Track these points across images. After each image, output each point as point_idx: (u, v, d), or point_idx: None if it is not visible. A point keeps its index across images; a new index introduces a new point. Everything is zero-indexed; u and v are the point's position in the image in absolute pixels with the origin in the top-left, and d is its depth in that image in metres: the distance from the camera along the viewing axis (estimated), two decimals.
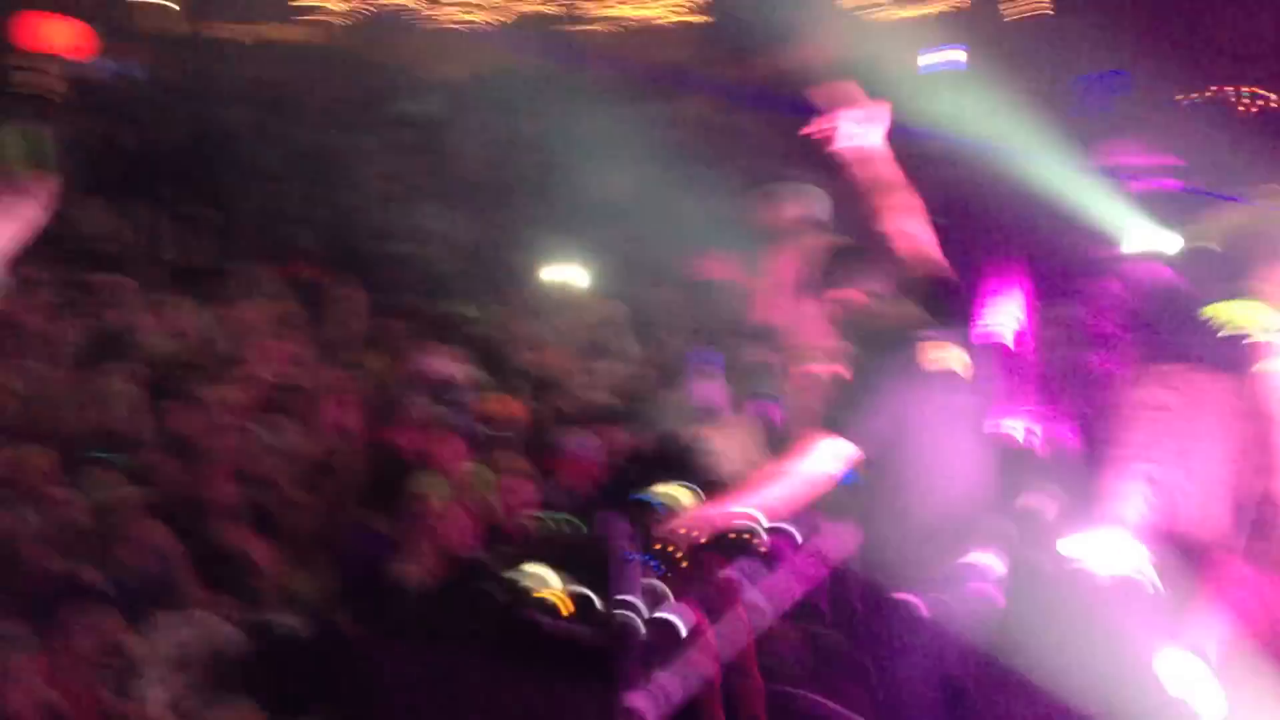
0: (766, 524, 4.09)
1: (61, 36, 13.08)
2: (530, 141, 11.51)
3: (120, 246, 8.83)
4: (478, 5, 15.83)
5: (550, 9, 14.57)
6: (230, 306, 7.52)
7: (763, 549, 4.08)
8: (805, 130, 3.91)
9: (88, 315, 6.92)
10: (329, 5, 16.46)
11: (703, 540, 3.73)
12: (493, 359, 7.32)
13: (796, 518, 4.17)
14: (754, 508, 3.77)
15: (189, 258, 8.67)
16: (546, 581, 3.87)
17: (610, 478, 5.83)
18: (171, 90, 13.36)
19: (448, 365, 6.33)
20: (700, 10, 16.01)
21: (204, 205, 9.43)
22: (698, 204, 8.20)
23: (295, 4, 16.64)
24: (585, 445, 5.79)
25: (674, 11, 16.16)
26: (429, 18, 15.68)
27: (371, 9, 16.28)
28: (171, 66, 14.86)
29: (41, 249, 7.96)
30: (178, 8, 15.80)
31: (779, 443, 4.38)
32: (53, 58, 13.75)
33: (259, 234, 9.51)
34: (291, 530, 5.08)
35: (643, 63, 15.00)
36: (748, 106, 12.70)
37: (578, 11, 15.11)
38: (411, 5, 15.92)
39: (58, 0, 15.70)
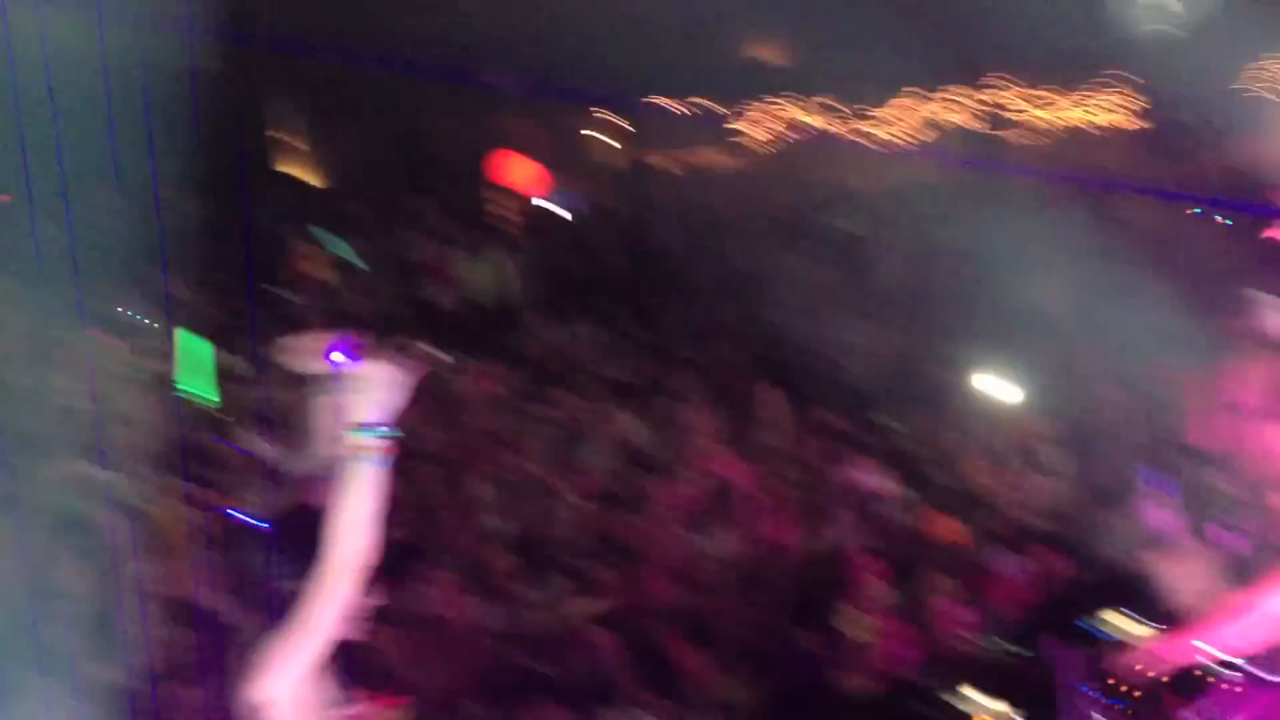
0: (1233, 663, 3.73)
1: (520, 173, 14.57)
2: (954, 251, 11.37)
3: (569, 363, 9.57)
4: (897, 121, 16.00)
5: (974, 121, 14.44)
6: (666, 418, 7.92)
7: (1229, 690, 3.71)
8: (1263, 234, 3.63)
9: (545, 427, 7.54)
10: (755, 132, 17.23)
11: (1160, 677, 3.46)
12: (919, 474, 7.21)
13: (1269, 658, 3.78)
14: (1219, 645, 3.46)
15: (629, 372, 9.23)
16: (982, 706, 3.72)
17: (1046, 602, 5.54)
18: (613, 218, 14.46)
19: (874, 479, 6.30)
20: (1137, 110, 15.29)
21: (641, 323, 10.01)
22: (1139, 314, 7.73)
23: (724, 131, 17.57)
24: (1018, 567, 5.55)
25: (1108, 113, 15.53)
26: (849, 136, 16.01)
27: (794, 132, 16.87)
28: (614, 196, 16.10)
29: (505, 366, 8.82)
30: (619, 144, 17.16)
31: (1242, 576, 3.98)
32: (514, 193, 15.37)
33: (692, 349, 9.98)
34: (724, 637, 5.22)
35: (1073, 167, 14.48)
36: (1192, 209, 11.90)
37: (1003, 118, 14.87)
38: (832, 126, 16.33)
39: (518, 141, 17.59)
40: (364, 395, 2.43)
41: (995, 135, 14.21)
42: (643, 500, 6.38)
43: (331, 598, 2.39)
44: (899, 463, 7.15)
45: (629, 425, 7.93)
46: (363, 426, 2.41)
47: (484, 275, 11.76)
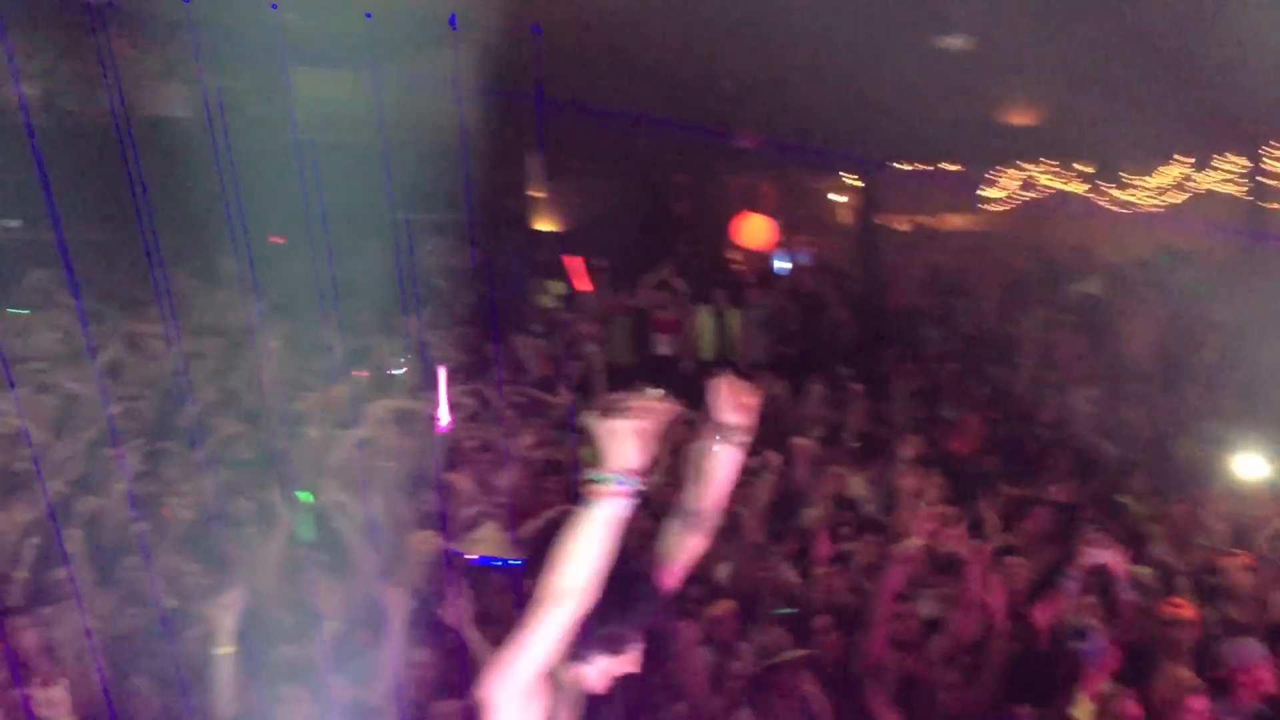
0: None
1: (757, 231, 14.75)
2: (1209, 325, 10.79)
3: (795, 420, 9.59)
4: (1158, 188, 15.33)
5: (1234, 187, 13.69)
6: (890, 480, 7.86)
7: None
8: None
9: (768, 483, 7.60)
10: (995, 193, 16.89)
11: None
12: (1159, 555, 6.88)
13: None
14: None
15: (854, 432, 9.18)
16: None
17: None
18: (846, 278, 14.42)
19: (1110, 557, 6.03)
20: None
21: (866, 379, 9.89)
22: None
23: (968, 194, 17.32)
24: (1263, 659, 5.23)
25: None
26: (1102, 203, 15.47)
27: (1038, 195, 16.43)
28: (849, 256, 16.08)
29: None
30: (858, 204, 17.14)
31: None
32: (749, 249, 15.56)
33: (920, 412, 9.86)
34: (934, 706, 5.12)
35: None
36: None
37: (1274, 188, 14.03)
38: (1078, 190, 15.82)
39: (757, 199, 17.82)
40: (617, 445, 2.58)
41: (1265, 204, 13.44)
42: (862, 559, 6.36)
43: (548, 623, 2.53)
44: (1137, 542, 6.85)
45: (852, 484, 7.89)
46: (610, 473, 2.57)
47: (715, 330, 11.97)
